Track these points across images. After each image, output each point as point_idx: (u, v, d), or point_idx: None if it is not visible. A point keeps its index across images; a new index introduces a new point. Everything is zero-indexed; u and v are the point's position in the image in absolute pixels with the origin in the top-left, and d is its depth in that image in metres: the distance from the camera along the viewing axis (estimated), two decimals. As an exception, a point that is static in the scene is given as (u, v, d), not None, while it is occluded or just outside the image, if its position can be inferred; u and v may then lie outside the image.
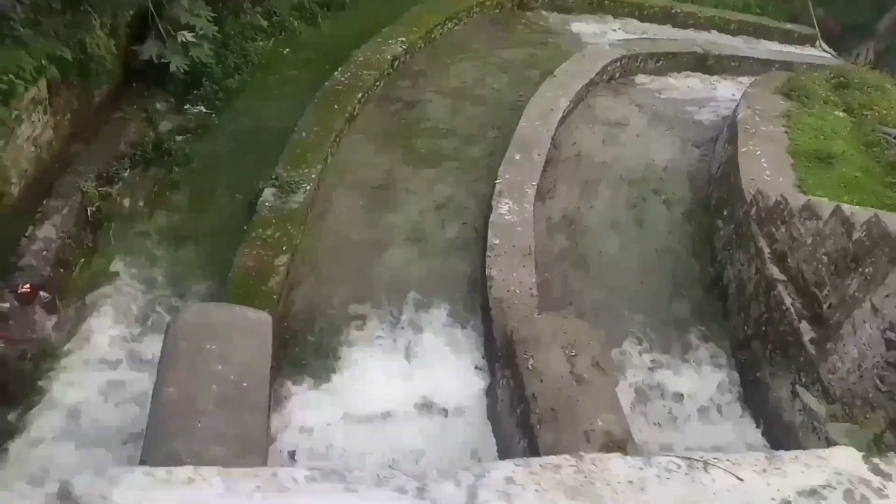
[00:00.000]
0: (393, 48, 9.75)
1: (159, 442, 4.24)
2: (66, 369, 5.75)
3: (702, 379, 6.85)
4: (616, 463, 2.82)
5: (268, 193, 7.04)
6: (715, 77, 13.33)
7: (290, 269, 6.60)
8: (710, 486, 2.83)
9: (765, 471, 2.97)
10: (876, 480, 3.08)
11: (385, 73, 9.44)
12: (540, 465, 2.72)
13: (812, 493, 2.88)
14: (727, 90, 12.40)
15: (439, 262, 7.35)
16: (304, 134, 7.88)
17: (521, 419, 5.22)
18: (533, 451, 4.88)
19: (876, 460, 3.21)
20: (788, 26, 19.40)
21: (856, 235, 5.78)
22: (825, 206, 6.38)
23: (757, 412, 6.50)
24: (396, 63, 9.73)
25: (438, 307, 6.82)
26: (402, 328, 6.56)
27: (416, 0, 11.09)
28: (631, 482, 2.71)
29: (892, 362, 5.04)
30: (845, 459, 3.18)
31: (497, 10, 12.26)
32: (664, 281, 7.82)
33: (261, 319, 5.20)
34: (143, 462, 4.09)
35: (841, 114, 10.02)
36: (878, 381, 5.15)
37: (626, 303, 7.45)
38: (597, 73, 10.58)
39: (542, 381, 5.18)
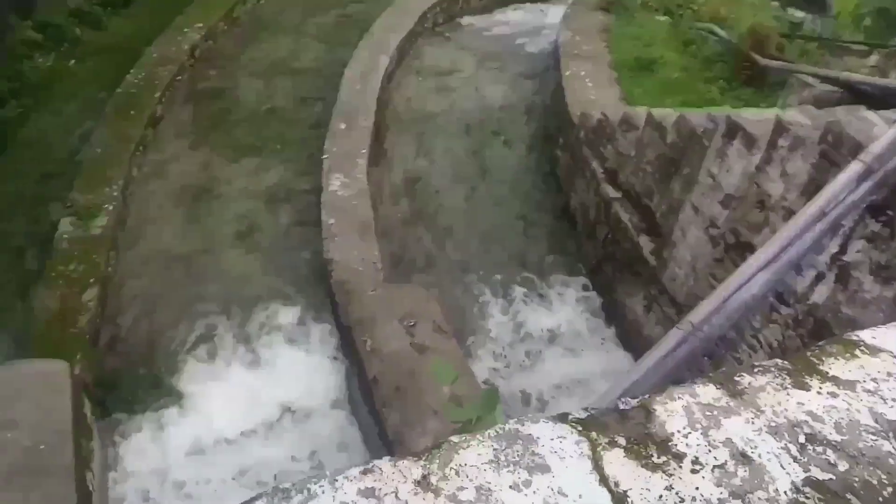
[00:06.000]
0: (190, 37, 8.93)
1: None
2: None
3: (566, 311, 6.75)
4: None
5: (64, 224, 6.26)
6: (544, 4, 13.14)
7: (105, 302, 5.95)
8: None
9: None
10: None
11: (186, 64, 8.64)
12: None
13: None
14: (558, 16, 12.21)
15: (279, 256, 6.84)
16: (98, 150, 7.07)
17: (370, 405, 4.90)
18: (384, 437, 4.59)
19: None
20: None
21: (669, 138, 5.71)
22: (640, 114, 6.30)
23: (620, 333, 6.47)
24: (197, 51, 8.93)
25: (285, 305, 6.33)
26: (247, 338, 6.04)
27: (210, -19, 10.17)
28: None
29: (719, 258, 5.03)
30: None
31: (303, -25, 11.51)
32: (517, 222, 7.63)
33: (54, 370, 4.58)
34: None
35: (660, 18, 10.08)
36: (711, 280, 5.14)
37: (483, 252, 7.21)
38: (416, 23, 10.15)
39: (381, 360, 4.87)
